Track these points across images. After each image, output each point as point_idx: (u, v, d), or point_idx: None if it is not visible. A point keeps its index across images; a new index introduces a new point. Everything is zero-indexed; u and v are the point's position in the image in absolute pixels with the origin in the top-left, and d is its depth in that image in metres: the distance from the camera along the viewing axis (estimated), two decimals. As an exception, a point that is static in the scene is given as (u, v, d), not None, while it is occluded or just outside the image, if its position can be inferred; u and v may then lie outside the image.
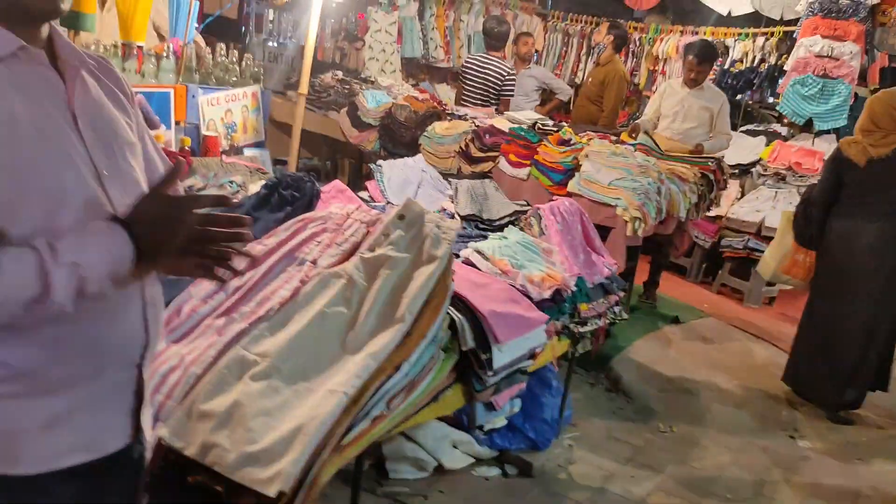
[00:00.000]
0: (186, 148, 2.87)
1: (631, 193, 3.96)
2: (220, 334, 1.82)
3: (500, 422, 2.57)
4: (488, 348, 2.25)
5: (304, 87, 3.36)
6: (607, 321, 3.20)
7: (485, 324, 2.25)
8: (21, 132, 1.06)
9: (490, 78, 6.02)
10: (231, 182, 2.46)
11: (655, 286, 5.31)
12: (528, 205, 3.38)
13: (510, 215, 3.30)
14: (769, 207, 6.19)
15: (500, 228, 3.25)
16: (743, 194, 6.49)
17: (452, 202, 3.29)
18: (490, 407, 2.43)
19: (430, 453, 2.84)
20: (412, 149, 4.94)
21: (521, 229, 3.11)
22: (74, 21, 2.38)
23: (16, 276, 0.99)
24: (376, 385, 1.78)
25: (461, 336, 2.22)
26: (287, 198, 2.36)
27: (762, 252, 6.00)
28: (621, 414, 3.78)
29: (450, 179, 3.35)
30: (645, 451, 3.44)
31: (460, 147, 4.61)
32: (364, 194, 3.45)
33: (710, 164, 4.61)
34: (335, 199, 2.67)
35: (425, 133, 4.80)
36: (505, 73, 6.00)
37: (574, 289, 2.79)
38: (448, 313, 2.13)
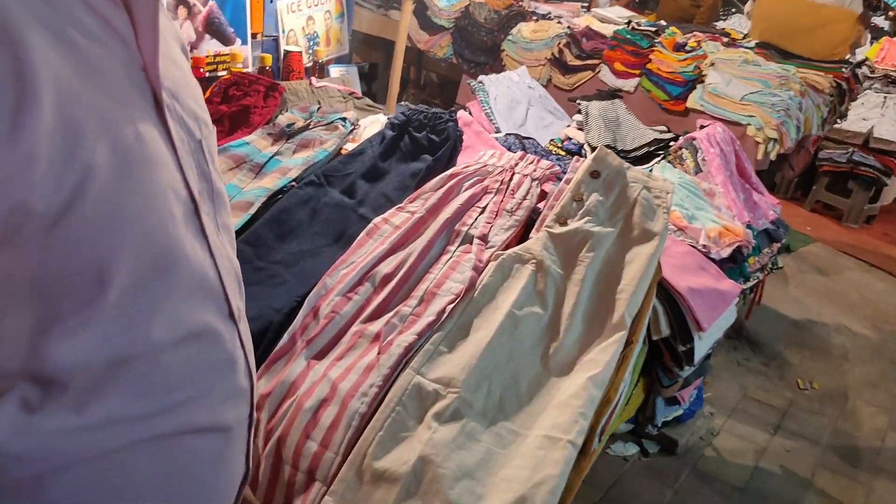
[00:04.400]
0: (268, 68, 2.29)
1: (769, 110, 3.35)
2: (380, 349, 1.33)
3: (675, 414, 2.12)
4: (687, 336, 1.75)
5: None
6: (766, 273, 2.69)
7: (683, 305, 1.74)
8: (83, 141, 0.56)
9: None
10: (343, 120, 1.89)
11: (759, 209, 4.75)
12: (668, 130, 2.80)
13: (648, 144, 2.72)
14: (878, 115, 5.51)
15: (637, 161, 2.69)
16: (845, 100, 5.80)
17: (581, 129, 2.71)
18: (673, 401, 1.97)
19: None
20: (492, 55, 4.30)
21: (671, 164, 2.55)
22: None
23: None
24: (602, 423, 1.30)
25: (652, 322, 1.72)
26: (422, 142, 1.81)
27: (868, 167, 5.40)
28: (751, 367, 3.32)
29: (579, 101, 2.74)
30: (791, 415, 3.00)
31: (552, 54, 3.96)
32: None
33: (843, 70, 3.94)
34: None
35: (509, 37, 4.14)
36: None
37: (754, 243, 2.26)
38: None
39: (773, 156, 3.45)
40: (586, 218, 1.50)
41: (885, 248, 5.14)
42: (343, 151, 1.86)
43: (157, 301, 0.64)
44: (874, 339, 3.75)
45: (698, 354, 1.77)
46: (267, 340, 1.39)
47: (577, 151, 2.67)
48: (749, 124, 3.38)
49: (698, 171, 2.50)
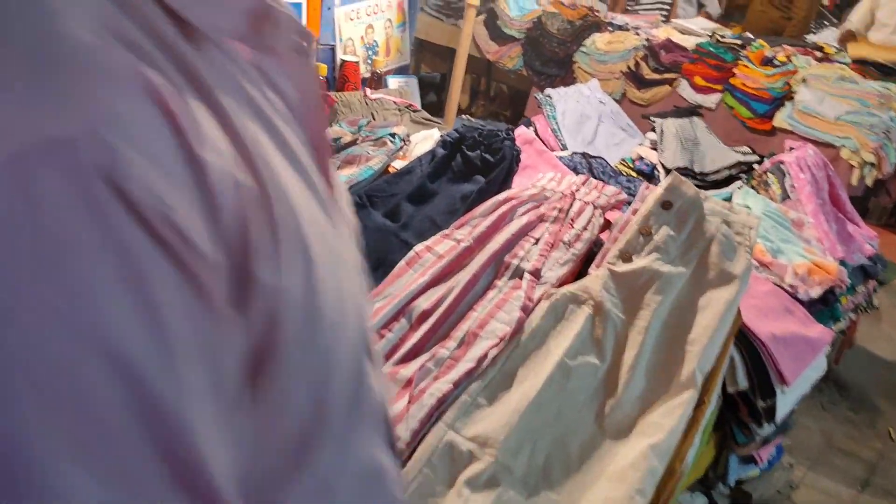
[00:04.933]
0: (323, 78, 2.19)
1: (866, 132, 3.06)
2: (411, 398, 1.18)
3: (753, 475, 1.90)
4: (769, 391, 1.54)
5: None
6: (860, 314, 2.43)
7: (765, 355, 1.53)
8: (301, 230, 0.43)
9: None
10: (392, 135, 1.76)
11: (849, 237, 4.40)
12: (753, 151, 2.56)
13: (730, 167, 2.49)
14: None
15: (716, 185, 2.47)
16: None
17: (654, 149, 2.50)
18: (749, 458, 1.75)
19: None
20: (563, 67, 4.12)
21: (754, 189, 2.31)
22: None
23: None
24: (664, 498, 1.11)
25: (728, 373, 1.51)
26: (475, 162, 1.65)
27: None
28: (837, 413, 3.03)
29: (654, 119, 2.54)
30: (880, 469, 2.70)
31: (628, 67, 3.75)
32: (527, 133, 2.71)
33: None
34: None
35: (582, 48, 3.95)
36: None
37: (848, 282, 2.01)
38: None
39: (868, 181, 3.16)
40: (654, 255, 1.31)
41: None
42: (391, 169, 1.73)
43: (349, 432, 0.51)
44: (980, 386, 3.38)
45: (781, 411, 1.55)
46: (289, 379, 1.26)
47: (650, 172, 2.47)
48: (843, 146, 3.10)
49: (785, 198, 2.26)
